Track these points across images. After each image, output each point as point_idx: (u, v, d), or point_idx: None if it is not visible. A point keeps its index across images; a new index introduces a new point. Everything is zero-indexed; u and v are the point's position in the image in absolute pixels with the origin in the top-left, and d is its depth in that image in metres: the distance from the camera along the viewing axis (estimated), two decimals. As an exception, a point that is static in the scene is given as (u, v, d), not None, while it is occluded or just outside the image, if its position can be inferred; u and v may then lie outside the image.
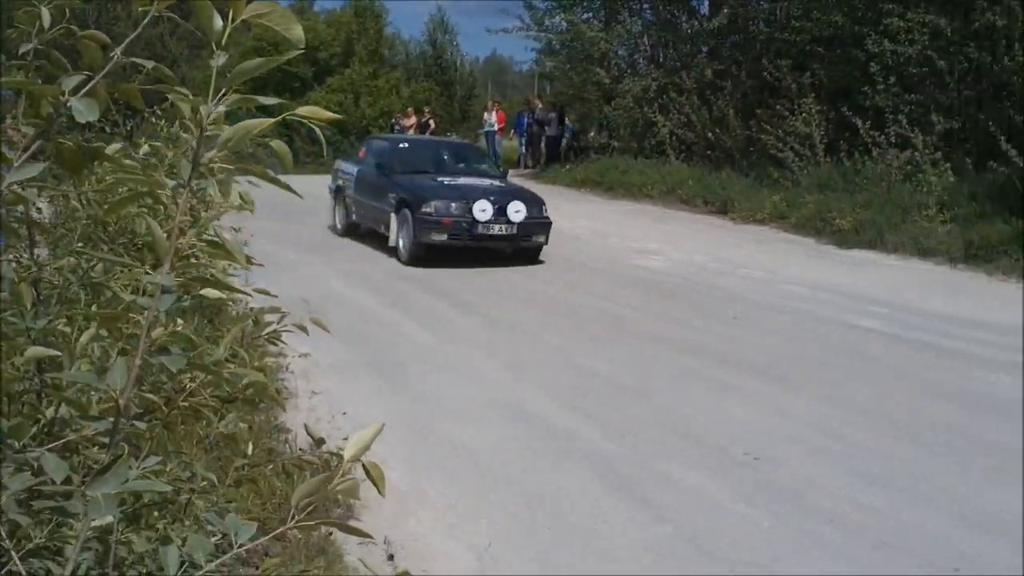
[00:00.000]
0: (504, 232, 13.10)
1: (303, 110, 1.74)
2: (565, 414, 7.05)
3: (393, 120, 35.23)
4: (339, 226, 16.02)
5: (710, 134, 21.98)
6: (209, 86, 1.68)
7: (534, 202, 13.49)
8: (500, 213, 12.98)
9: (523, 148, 29.67)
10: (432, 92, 39.44)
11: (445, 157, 15.49)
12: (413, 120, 33.43)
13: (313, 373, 7.54)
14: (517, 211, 13.05)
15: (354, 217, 15.44)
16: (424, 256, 13.05)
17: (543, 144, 28.21)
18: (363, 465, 1.76)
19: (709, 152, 22.14)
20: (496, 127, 30.99)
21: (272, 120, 1.72)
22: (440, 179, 14.00)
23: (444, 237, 12.93)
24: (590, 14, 25.88)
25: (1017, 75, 16.27)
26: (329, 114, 1.77)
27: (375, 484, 1.83)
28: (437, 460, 6.09)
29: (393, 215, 13.55)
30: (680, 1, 24.47)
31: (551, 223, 13.55)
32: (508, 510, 5.36)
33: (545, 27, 26.21)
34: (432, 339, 9.19)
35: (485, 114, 32.07)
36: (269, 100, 1.79)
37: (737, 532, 5.10)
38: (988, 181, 15.54)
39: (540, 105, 28.74)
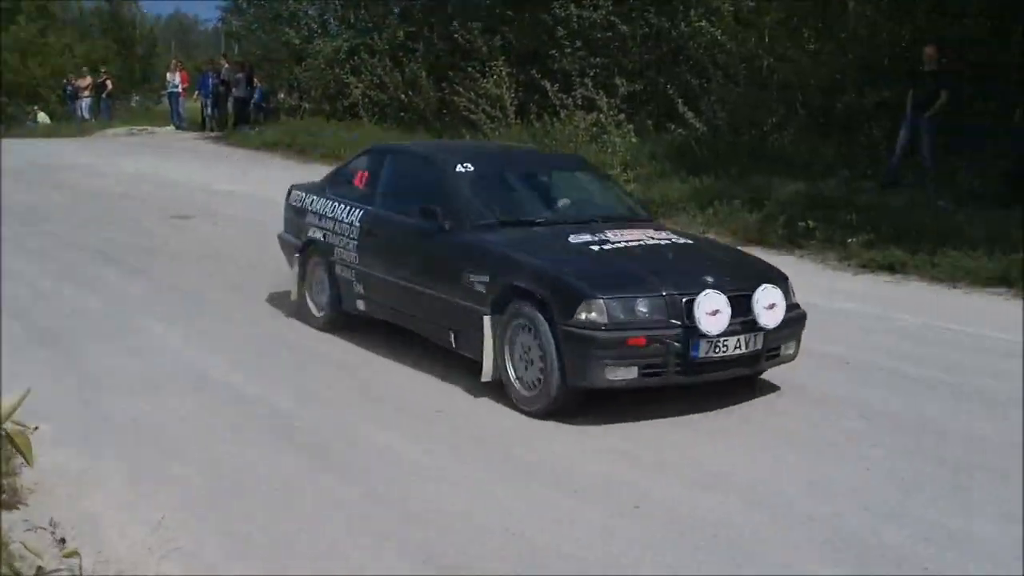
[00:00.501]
0: (746, 350, 6.17)
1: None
2: (248, 380, 6.79)
3: (66, 81, 33.64)
4: (316, 311, 8.20)
5: (403, 96, 22.12)
6: None
7: (774, 278, 6.56)
8: (740, 311, 6.08)
9: (209, 110, 28.80)
10: (109, 51, 37.88)
11: (544, 180, 8.09)
12: (89, 81, 32.12)
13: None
14: (771, 305, 6.21)
15: (361, 305, 7.74)
16: (576, 408, 6.07)
17: (230, 106, 27.44)
18: (7, 434, 1.49)
19: (403, 114, 22.29)
20: (180, 88, 30.20)
21: None
22: (574, 237, 6.73)
23: (633, 374, 5.91)
24: (279, -28, 25.31)
25: (693, 40, 17.12)
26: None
27: (21, 453, 1.60)
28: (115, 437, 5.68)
29: (487, 320, 6.36)
30: (370, -39, 24.31)
31: (805, 316, 6.69)
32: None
33: (232, -16, 25.52)
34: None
35: (168, 74, 31.20)
36: None
37: (427, 489, 5.00)
38: (667, 142, 16.35)
39: (226, 65, 27.91)
